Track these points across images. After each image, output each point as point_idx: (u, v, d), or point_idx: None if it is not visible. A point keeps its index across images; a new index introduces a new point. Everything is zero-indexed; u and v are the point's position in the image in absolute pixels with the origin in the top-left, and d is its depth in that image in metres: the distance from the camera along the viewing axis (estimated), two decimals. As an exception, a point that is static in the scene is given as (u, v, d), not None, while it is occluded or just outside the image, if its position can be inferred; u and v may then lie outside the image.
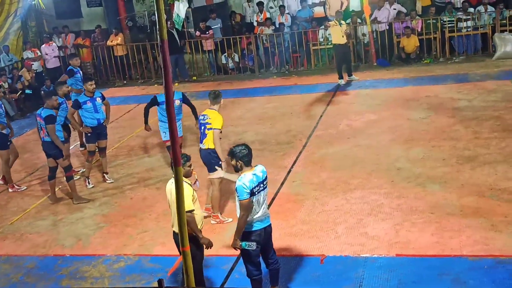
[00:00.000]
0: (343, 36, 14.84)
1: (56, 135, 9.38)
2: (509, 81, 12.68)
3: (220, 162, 8.05)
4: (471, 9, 16.37)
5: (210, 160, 8.25)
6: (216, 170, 7.58)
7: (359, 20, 17.15)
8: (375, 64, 16.64)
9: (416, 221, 7.76)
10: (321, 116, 12.67)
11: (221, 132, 8.27)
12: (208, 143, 8.25)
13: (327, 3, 17.83)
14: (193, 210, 6.06)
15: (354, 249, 7.27)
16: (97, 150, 10.53)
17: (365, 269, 6.84)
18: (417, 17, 16.79)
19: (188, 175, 6.35)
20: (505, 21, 15.98)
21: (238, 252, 7.45)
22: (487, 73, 14.32)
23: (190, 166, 6.38)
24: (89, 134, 10.27)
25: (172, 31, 16.86)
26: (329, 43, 16.85)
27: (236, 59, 17.81)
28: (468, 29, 16.31)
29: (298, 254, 7.34)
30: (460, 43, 16.49)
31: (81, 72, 12.54)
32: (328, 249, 7.36)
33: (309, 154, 10.64)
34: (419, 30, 16.57)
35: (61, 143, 9.49)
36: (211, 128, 8.18)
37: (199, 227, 6.27)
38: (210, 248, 6.25)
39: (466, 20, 16.25)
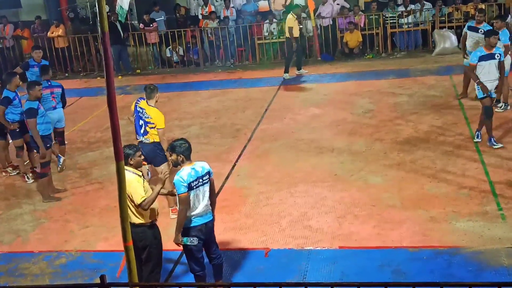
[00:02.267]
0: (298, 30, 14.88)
1: (36, 130, 8.93)
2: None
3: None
4: (412, 6, 16.72)
5: (157, 153, 8.21)
6: (163, 162, 7.68)
7: (303, 15, 17.26)
8: (319, 58, 16.82)
9: (358, 214, 7.89)
10: (265, 110, 12.72)
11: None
12: (152, 138, 8.20)
13: (271, -4, 17.90)
14: (145, 199, 5.98)
15: (298, 242, 7.34)
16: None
17: (309, 261, 6.92)
18: (360, 12, 17.04)
19: (138, 165, 6.25)
20: (444, 18, 16.41)
21: (181, 247, 7.44)
22: (427, 68, 14.68)
23: (140, 156, 6.27)
24: (17, 130, 10.00)
25: (115, 23, 16.59)
26: (274, 37, 16.93)
27: (181, 52, 17.67)
28: (409, 26, 16.67)
29: (242, 247, 7.36)
30: (402, 39, 16.84)
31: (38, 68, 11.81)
32: (273, 242, 7.41)
33: (254, 148, 10.67)
34: (362, 25, 16.83)
35: (40, 140, 8.98)
36: (154, 128, 8.16)
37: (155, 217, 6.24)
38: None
39: (407, 16, 16.60)
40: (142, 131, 8.27)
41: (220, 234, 7.69)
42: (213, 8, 18.06)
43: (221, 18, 17.68)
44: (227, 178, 9.45)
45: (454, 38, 15.71)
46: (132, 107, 8.50)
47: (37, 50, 12.16)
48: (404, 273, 6.50)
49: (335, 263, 6.82)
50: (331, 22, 17.03)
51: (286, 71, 15.18)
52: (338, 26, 17.07)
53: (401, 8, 16.77)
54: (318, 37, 16.89)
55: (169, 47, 17.65)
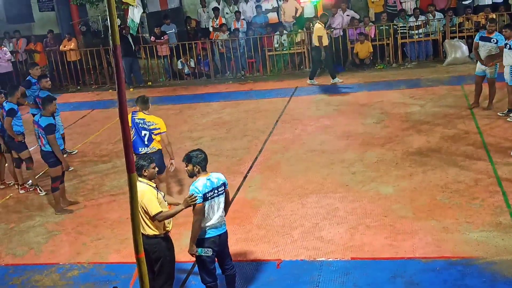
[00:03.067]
0: (327, 38, 14.95)
1: (57, 145, 9.00)
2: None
3: (171, 161, 8.59)
4: (422, 17, 16.72)
5: (163, 161, 8.64)
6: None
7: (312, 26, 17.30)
8: (330, 69, 16.79)
9: (370, 225, 7.86)
10: (276, 121, 12.74)
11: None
12: (157, 145, 8.59)
13: (281, 9, 17.95)
14: (161, 212, 5.99)
15: (309, 253, 7.32)
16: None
17: (321, 272, 6.89)
18: (370, 23, 17.06)
19: (152, 177, 6.26)
20: (454, 28, 16.38)
21: (194, 258, 7.45)
22: (438, 78, 14.65)
23: (154, 168, 6.28)
24: (23, 141, 10.18)
25: (127, 36, 16.72)
26: (284, 49, 16.99)
27: (192, 64, 17.75)
28: (420, 36, 16.66)
29: (254, 259, 7.35)
30: (412, 49, 16.82)
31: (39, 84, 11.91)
32: (284, 253, 7.39)
33: (264, 159, 10.67)
34: (372, 36, 16.84)
35: (61, 154, 9.09)
36: (159, 133, 8.57)
37: (169, 227, 6.25)
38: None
39: (417, 27, 16.59)
40: (146, 141, 8.54)
41: (232, 245, 7.65)
42: (223, 21, 18.14)
43: (232, 30, 17.75)
44: (238, 189, 9.45)
45: (465, 48, 15.68)
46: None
47: (35, 66, 12.04)
48: (417, 284, 6.46)
49: (348, 274, 6.79)
50: (341, 33, 17.05)
51: (334, 77, 15.22)
52: (349, 37, 17.09)
53: (412, 19, 16.75)
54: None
55: (181, 60, 17.74)
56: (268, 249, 7.54)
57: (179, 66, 17.88)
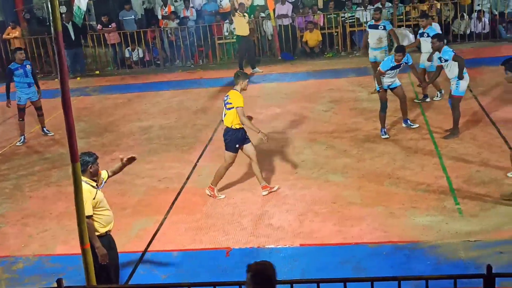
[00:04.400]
0: (246, 28, 15.04)
1: None
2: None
3: (259, 134, 8.42)
4: (370, 6, 16.90)
5: (226, 138, 8.43)
6: (236, 147, 8.37)
7: (262, 14, 17.33)
8: (279, 57, 16.88)
9: (319, 211, 7.94)
10: (226, 109, 12.69)
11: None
12: (227, 122, 8.35)
13: (234, -3, 17.87)
14: (91, 216, 5.80)
15: (259, 241, 7.35)
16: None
17: (270, 260, 6.78)
18: (319, 12, 17.16)
19: (95, 174, 6.05)
20: (401, 17, 16.63)
21: (143, 248, 7.40)
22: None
23: (98, 164, 6.06)
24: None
25: (67, 24, 16.31)
26: (234, 37, 16.92)
27: (141, 53, 17.52)
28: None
29: (203, 248, 7.33)
30: (361, 38, 16.95)
31: (27, 66, 11.74)
32: (234, 241, 7.40)
33: (215, 148, 10.63)
34: (322, 24, 16.94)
35: None
36: (231, 108, 8.26)
37: (108, 227, 6.06)
38: (103, 262, 5.81)
39: (365, 15, 16.76)
40: (223, 117, 8.47)
41: (181, 235, 7.68)
42: (172, 8, 17.95)
43: (181, 18, 17.58)
44: (188, 178, 9.40)
45: (412, 36, 15.82)
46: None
47: (19, 51, 12.03)
48: (365, 269, 6.56)
49: (296, 260, 6.85)
50: (291, 21, 17.11)
51: (241, 69, 15.28)
52: (298, 26, 17.15)
53: (360, 8, 16.92)
54: (278, 36, 16.94)
55: (128, 48, 17.48)
56: (217, 238, 7.53)
57: (127, 55, 17.62)
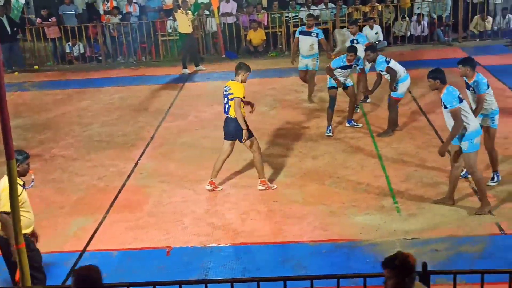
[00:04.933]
0: (189, 26, 14.96)
1: None
2: None
3: (244, 130, 8.30)
4: (314, 6, 17.09)
5: (238, 129, 8.31)
6: (251, 134, 8.30)
7: (207, 12, 17.26)
8: (224, 56, 16.85)
9: (261, 210, 7.97)
10: (169, 107, 12.60)
11: (242, 99, 8.31)
12: (233, 113, 8.29)
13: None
14: (7, 213, 5.59)
15: (200, 240, 7.31)
16: None
17: (211, 258, 6.91)
18: (263, 11, 17.22)
19: (24, 173, 5.92)
20: (344, 18, 16.87)
21: (81, 247, 7.26)
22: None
23: (28, 164, 5.93)
24: None
25: (1, 18, 15.83)
26: (177, 34, 16.79)
27: (82, 48, 17.17)
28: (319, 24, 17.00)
29: (144, 247, 7.24)
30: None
31: None
32: (175, 240, 7.34)
33: (157, 145, 10.54)
34: (266, 24, 17.00)
35: None
36: (233, 98, 8.22)
37: (27, 230, 5.84)
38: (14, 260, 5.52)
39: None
40: (226, 108, 8.39)
41: (121, 233, 7.57)
42: (115, 4, 17.65)
43: (124, 13, 17.32)
44: (129, 176, 9.27)
45: (360, 34, 16.14)
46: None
47: None
48: (305, 267, 6.62)
49: (238, 259, 6.86)
50: (235, 20, 17.11)
51: (184, 67, 15.37)
52: (242, 24, 17.17)
53: (303, 8, 17.08)
54: (222, 35, 16.91)
55: (69, 43, 17.10)
56: (158, 237, 7.45)
57: (67, 50, 17.23)
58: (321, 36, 11.91)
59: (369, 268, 6.48)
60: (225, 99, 8.41)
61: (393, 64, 10.03)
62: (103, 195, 8.68)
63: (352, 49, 10.22)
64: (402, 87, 10.05)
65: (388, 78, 10.04)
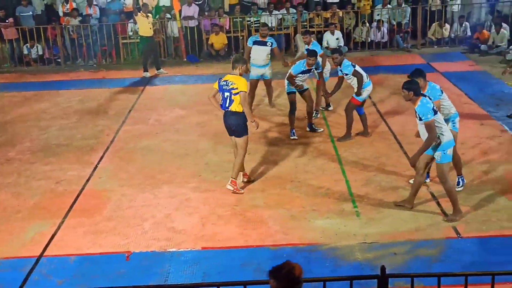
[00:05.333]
0: (150, 29, 14.87)
1: None
2: None
3: (252, 122, 8.36)
4: (276, 11, 17.16)
5: (240, 123, 8.32)
6: (246, 132, 8.35)
7: (168, 15, 17.17)
8: (185, 59, 16.79)
9: (222, 214, 7.95)
10: (130, 110, 12.48)
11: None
12: (236, 108, 8.23)
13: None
14: None
15: (160, 244, 7.25)
16: None
17: (171, 263, 6.86)
18: (225, 15, 17.22)
19: None
20: (305, 23, 16.99)
21: (38, 252, 7.13)
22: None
23: None
24: None
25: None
26: (138, 37, 16.66)
27: (40, 50, 16.88)
28: (273, 29, 17.07)
29: (102, 252, 7.15)
30: (266, 42, 17.18)
31: None
32: (135, 245, 7.26)
33: (117, 149, 10.42)
34: (227, 28, 17.00)
35: None
36: (238, 93, 8.15)
37: None
38: None
39: (271, 20, 17.01)
40: (227, 103, 8.28)
41: (80, 238, 7.46)
42: (74, 5, 17.40)
43: (83, 15, 17.10)
44: (88, 180, 9.14)
45: (315, 42, 16.26)
46: (216, 86, 8.51)
47: None
48: (265, 272, 6.56)
49: (198, 264, 6.82)
50: (197, 23, 17.06)
51: (145, 70, 15.23)
52: (204, 28, 17.13)
53: (265, 13, 17.14)
54: (183, 38, 16.85)
55: (27, 44, 16.79)
56: (117, 241, 7.37)
57: (25, 51, 16.92)
58: (275, 45, 11.72)
59: (329, 272, 6.55)
60: (227, 93, 8.30)
61: (358, 68, 10.16)
62: (61, 199, 8.54)
63: (313, 53, 10.30)
64: (365, 93, 10.18)
65: (352, 83, 10.15)
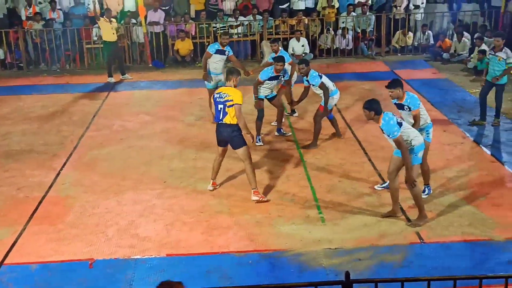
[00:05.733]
0: (113, 34, 14.76)
1: None
2: None
3: (247, 135, 8.27)
4: (242, 17, 17.19)
5: (234, 135, 8.22)
6: (244, 143, 8.22)
7: (133, 21, 17.06)
8: (150, 65, 16.69)
9: (187, 221, 7.90)
10: (94, 116, 12.34)
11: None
12: (231, 120, 8.13)
13: (104, 1, 17.41)
14: None
15: (124, 252, 7.17)
16: None
17: (135, 271, 6.78)
18: (191, 21, 17.18)
19: None
20: (271, 30, 17.07)
21: (-2, 261, 6.97)
22: (255, 77, 15.08)
23: None
24: None
25: None
26: (102, 42, 16.53)
27: (1, 54, 16.58)
28: (239, 36, 17.11)
29: (65, 259, 7.03)
30: (232, 48, 17.17)
31: None
32: (98, 252, 7.16)
33: (80, 155, 10.28)
34: (193, 34, 16.96)
35: None
36: (232, 105, 8.06)
37: None
38: None
39: (237, 26, 17.04)
40: (221, 115, 8.17)
41: (42, 246, 7.33)
42: (37, 9, 17.15)
43: (47, 20, 16.86)
44: (50, 186, 8.99)
45: (282, 51, 16.33)
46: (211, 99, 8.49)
47: None
48: (231, 278, 6.60)
49: (162, 271, 6.76)
50: (162, 29, 16.99)
51: (110, 76, 15.12)
52: (169, 34, 17.06)
53: (231, 19, 17.15)
54: (149, 44, 16.75)
55: (-13, 49, 16.50)
56: (80, 249, 7.26)
57: (-15, 56, 16.63)
58: (231, 53, 11.65)
59: (294, 278, 6.56)
60: (220, 105, 8.19)
61: (325, 79, 10.16)
62: (23, 206, 8.38)
63: (280, 59, 10.31)
64: (333, 101, 10.24)
65: (318, 92, 10.17)
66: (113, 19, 15.12)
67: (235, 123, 8.20)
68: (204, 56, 11.70)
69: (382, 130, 7.30)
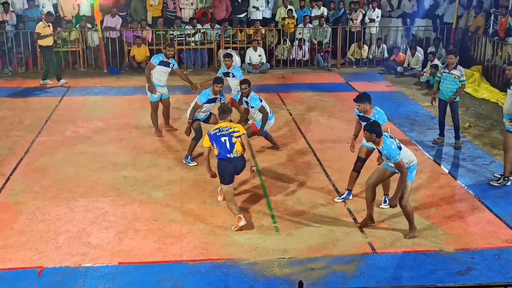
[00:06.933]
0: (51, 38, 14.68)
1: None
2: None
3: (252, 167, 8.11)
4: (199, 25, 17.16)
5: (245, 162, 8.11)
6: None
7: (89, 25, 16.84)
8: (105, 71, 16.49)
9: (140, 229, 7.81)
10: (46, 121, 12.10)
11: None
12: (241, 150, 7.94)
13: (59, 4, 17.13)
14: None
15: (75, 259, 7.04)
16: None
17: (86, 279, 6.66)
18: (147, 27, 17.06)
19: None
20: (229, 39, 17.09)
21: None
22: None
23: None
24: None
25: None
26: (58, 46, 16.27)
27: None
28: (196, 43, 17.07)
29: (13, 267, 6.86)
30: (189, 56, 17.17)
31: None
32: (47, 260, 7.01)
33: (31, 161, 10.06)
34: (150, 40, 16.85)
35: None
36: (239, 136, 7.89)
37: None
38: None
39: (194, 34, 17.00)
40: (228, 147, 7.86)
41: (-12, 253, 7.12)
42: (-11, 11, 16.76)
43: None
44: (-1, 192, 8.79)
45: (238, 58, 16.41)
46: (206, 143, 8.00)
47: None
48: (183, 287, 6.56)
49: (114, 279, 6.66)
50: (119, 35, 16.81)
51: (44, 78, 15.04)
52: (126, 40, 16.90)
53: (188, 27, 17.11)
54: (104, 49, 16.55)
55: None
56: (29, 256, 7.09)
57: None
58: (176, 66, 11.40)
59: (247, 287, 6.55)
60: (224, 138, 7.85)
61: (264, 103, 10.07)
62: (-31, 212, 8.15)
63: (219, 80, 9.94)
64: (267, 126, 10.14)
65: (255, 115, 10.08)
66: (50, 24, 14.90)
67: (244, 152, 8.06)
68: (147, 66, 11.32)
69: (380, 152, 7.42)
